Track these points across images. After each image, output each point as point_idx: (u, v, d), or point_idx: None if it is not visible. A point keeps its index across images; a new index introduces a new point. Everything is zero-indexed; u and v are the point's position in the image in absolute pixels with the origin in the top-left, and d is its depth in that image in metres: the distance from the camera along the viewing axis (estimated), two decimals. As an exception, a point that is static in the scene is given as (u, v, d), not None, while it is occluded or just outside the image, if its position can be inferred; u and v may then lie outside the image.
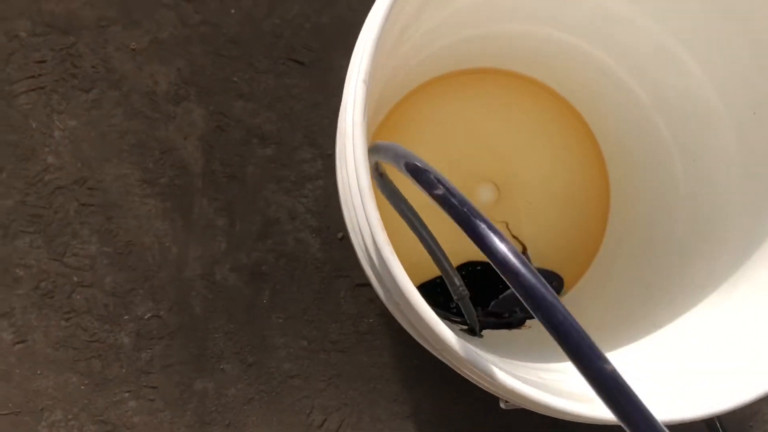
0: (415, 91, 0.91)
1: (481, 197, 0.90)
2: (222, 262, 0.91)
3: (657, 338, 0.67)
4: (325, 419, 0.91)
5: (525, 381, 0.48)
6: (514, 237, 0.89)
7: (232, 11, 0.93)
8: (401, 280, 0.46)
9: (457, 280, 0.64)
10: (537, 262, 0.89)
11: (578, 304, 0.86)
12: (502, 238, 0.38)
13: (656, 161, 0.81)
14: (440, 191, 0.41)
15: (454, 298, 0.66)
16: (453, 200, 0.40)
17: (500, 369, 0.47)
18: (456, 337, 0.46)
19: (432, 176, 0.42)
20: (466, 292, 0.66)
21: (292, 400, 0.90)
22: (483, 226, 0.38)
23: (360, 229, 0.50)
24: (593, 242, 0.91)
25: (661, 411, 0.49)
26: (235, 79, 0.93)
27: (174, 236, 0.91)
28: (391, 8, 0.48)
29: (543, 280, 0.36)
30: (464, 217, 0.39)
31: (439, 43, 0.80)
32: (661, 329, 0.67)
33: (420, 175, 0.43)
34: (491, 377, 0.46)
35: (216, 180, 0.92)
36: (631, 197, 0.87)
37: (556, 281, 0.90)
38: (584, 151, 0.92)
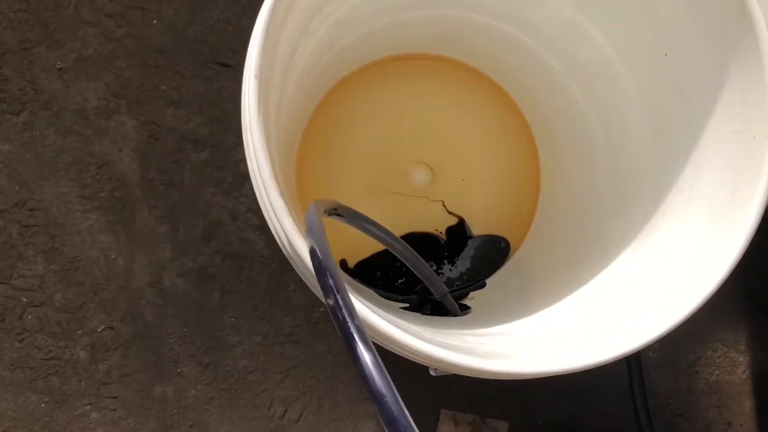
0: (345, 80, 0.93)
1: (415, 179, 0.92)
2: (169, 269, 0.93)
3: (583, 293, 0.70)
4: (286, 410, 0.93)
5: (441, 345, 0.51)
6: (450, 213, 0.91)
7: (155, 22, 0.95)
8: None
9: (436, 281, 0.72)
10: (480, 231, 0.91)
11: (524, 266, 0.89)
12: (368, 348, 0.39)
13: (576, 128, 0.84)
14: (331, 301, 0.41)
15: (437, 296, 0.74)
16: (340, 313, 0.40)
17: (412, 334, 0.49)
18: (371, 309, 0.49)
19: (329, 282, 0.42)
20: (446, 289, 0.74)
21: (251, 395, 0.93)
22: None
23: (271, 217, 0.52)
24: (529, 210, 0.94)
25: (586, 355, 0.51)
26: (164, 87, 0.94)
27: (119, 248, 0.92)
28: (274, 6, 0.50)
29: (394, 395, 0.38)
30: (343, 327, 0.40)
31: (356, 33, 0.82)
32: (585, 286, 0.70)
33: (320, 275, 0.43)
34: (399, 342, 0.48)
35: (155, 188, 0.93)
36: (558, 165, 0.90)
37: (503, 242, 0.92)
38: (512, 126, 0.94)
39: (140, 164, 0.93)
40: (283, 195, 0.50)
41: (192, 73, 0.95)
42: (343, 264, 0.88)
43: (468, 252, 0.91)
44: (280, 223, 0.49)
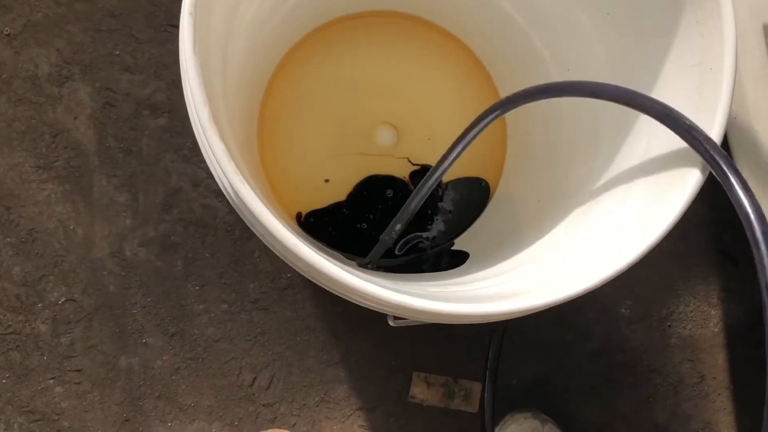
0: (305, 39, 0.91)
1: (380, 140, 0.91)
2: (130, 238, 0.90)
3: (550, 239, 0.69)
4: (255, 377, 0.91)
5: (397, 291, 0.49)
6: (415, 164, 0.90)
7: (106, -16, 0.92)
8: (257, 210, 0.47)
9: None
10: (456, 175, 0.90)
11: (487, 226, 0.88)
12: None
13: (538, 78, 0.83)
14: None
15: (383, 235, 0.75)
16: None
17: (365, 280, 0.48)
18: (320, 256, 0.47)
19: None
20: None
21: (219, 364, 0.91)
22: None
23: (213, 163, 0.50)
24: (497, 166, 0.92)
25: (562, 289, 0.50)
26: (118, 52, 0.92)
27: (77, 218, 0.90)
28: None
29: None
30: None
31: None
32: (551, 233, 0.69)
33: None
34: (354, 288, 0.47)
35: (112, 156, 0.91)
36: (522, 118, 0.89)
37: (484, 182, 0.91)
38: (476, 82, 0.93)
39: (96, 132, 0.91)
40: (224, 138, 0.48)
41: (147, 37, 0.92)
42: (298, 217, 0.86)
43: (447, 199, 0.89)
44: (221, 168, 0.47)
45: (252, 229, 0.54)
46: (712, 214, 1.01)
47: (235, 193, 0.47)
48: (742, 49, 0.78)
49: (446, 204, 0.90)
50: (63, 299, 0.89)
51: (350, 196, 0.88)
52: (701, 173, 0.53)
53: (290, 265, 0.54)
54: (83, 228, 0.90)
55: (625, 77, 0.66)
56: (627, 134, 0.65)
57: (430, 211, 0.89)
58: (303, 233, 0.84)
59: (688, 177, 0.53)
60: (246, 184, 0.47)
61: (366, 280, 0.48)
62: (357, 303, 0.52)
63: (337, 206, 0.86)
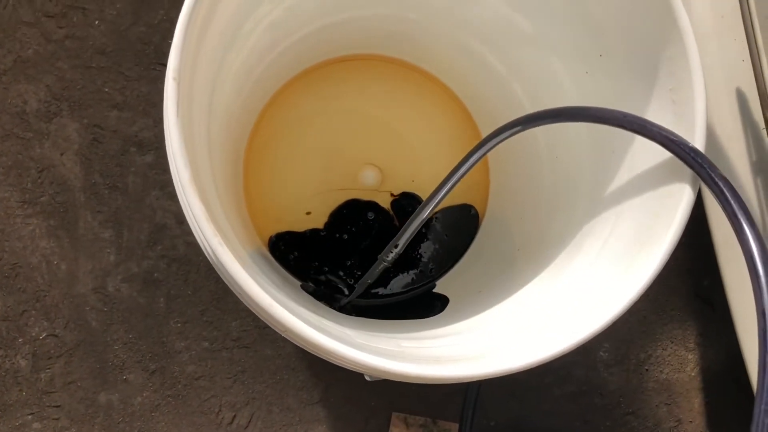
0: (292, 82, 0.92)
1: (365, 181, 0.92)
2: (113, 274, 0.91)
3: (524, 294, 0.70)
4: (235, 415, 0.92)
5: (372, 352, 0.50)
6: (395, 195, 0.90)
7: (97, 23, 0.93)
8: (233, 269, 0.47)
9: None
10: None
11: (467, 270, 0.89)
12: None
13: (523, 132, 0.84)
14: None
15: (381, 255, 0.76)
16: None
17: (340, 341, 0.48)
18: (293, 316, 0.48)
19: None
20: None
21: (199, 401, 0.91)
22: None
23: (192, 223, 0.51)
24: (481, 207, 0.94)
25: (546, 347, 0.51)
26: (107, 89, 0.93)
27: (61, 253, 0.90)
28: (193, 7, 0.49)
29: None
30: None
31: (297, 35, 0.81)
32: (527, 286, 0.70)
33: None
34: (330, 351, 0.47)
35: (98, 192, 0.91)
36: (505, 166, 0.90)
37: (474, 210, 0.92)
38: (460, 123, 0.94)
39: (83, 168, 0.92)
40: (204, 199, 0.49)
41: (136, 75, 0.93)
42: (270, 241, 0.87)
43: (435, 231, 0.90)
44: (200, 229, 0.48)
45: (229, 286, 0.55)
46: (690, 259, 1.02)
47: (213, 253, 0.48)
48: (716, 112, 0.81)
49: (434, 236, 0.90)
50: (44, 334, 0.89)
51: (331, 216, 0.88)
52: (680, 220, 0.54)
53: (267, 323, 0.54)
54: (67, 263, 0.90)
55: (600, 136, 0.68)
56: (605, 187, 0.66)
57: (418, 245, 0.90)
58: (272, 260, 0.84)
59: (673, 214, 0.54)
60: (224, 245, 0.48)
61: (341, 341, 0.49)
62: (336, 364, 0.53)
63: (313, 231, 0.87)
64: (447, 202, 0.90)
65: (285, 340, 0.93)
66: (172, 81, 0.48)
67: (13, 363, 0.89)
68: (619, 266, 0.59)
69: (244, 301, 0.54)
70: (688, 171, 0.54)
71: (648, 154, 0.60)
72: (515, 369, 0.50)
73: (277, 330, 0.54)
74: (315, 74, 0.92)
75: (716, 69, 0.81)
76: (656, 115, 0.60)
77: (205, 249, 0.52)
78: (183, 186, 0.47)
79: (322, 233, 0.87)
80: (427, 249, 0.90)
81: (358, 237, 0.88)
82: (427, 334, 0.67)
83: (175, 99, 0.48)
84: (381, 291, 0.87)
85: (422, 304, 0.84)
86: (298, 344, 0.53)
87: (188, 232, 0.92)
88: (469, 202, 0.92)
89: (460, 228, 0.92)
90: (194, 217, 0.48)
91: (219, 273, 0.54)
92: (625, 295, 0.53)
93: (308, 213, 0.89)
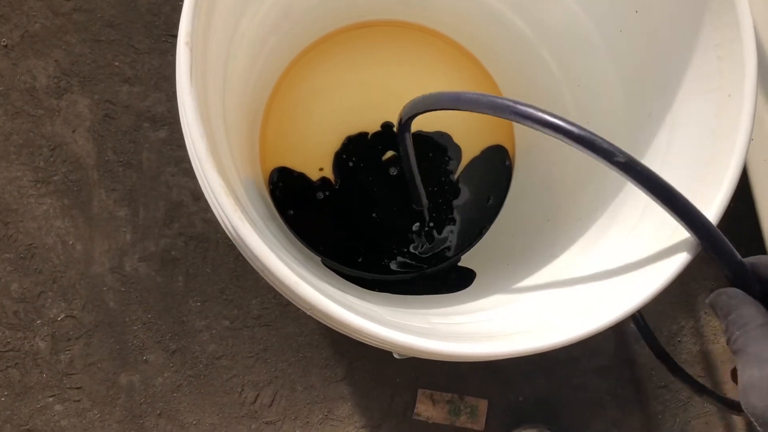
0: (308, 50, 0.89)
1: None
2: (130, 253, 0.89)
3: (557, 267, 0.67)
4: (258, 394, 0.90)
5: (398, 327, 0.48)
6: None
7: (104, -6, 0.90)
8: (255, 246, 0.45)
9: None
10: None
11: (494, 242, 0.86)
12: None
13: (548, 94, 0.80)
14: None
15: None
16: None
17: (369, 319, 0.46)
18: (320, 294, 0.45)
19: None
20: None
21: (221, 381, 0.89)
22: None
23: (210, 197, 0.48)
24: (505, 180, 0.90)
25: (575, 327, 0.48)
26: (117, 63, 0.90)
27: (76, 233, 0.88)
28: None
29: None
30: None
31: (309, 2, 0.77)
32: (558, 258, 0.67)
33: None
34: (359, 329, 0.45)
35: (112, 170, 0.89)
36: (530, 133, 0.86)
37: (507, 160, 0.89)
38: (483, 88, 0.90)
39: (96, 145, 0.89)
40: (221, 172, 0.46)
41: (146, 47, 0.90)
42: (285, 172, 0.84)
43: (461, 200, 0.87)
44: (219, 204, 0.45)
45: (250, 262, 0.52)
46: (730, 226, 0.98)
47: (234, 229, 0.46)
48: (763, 72, 0.76)
49: (461, 206, 0.87)
50: (62, 316, 0.88)
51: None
52: (728, 186, 0.50)
53: (291, 300, 0.52)
54: (82, 243, 0.88)
55: (636, 100, 0.64)
56: (641, 155, 0.62)
57: (443, 218, 0.87)
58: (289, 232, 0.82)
59: (705, 208, 0.51)
60: (245, 221, 0.45)
61: (370, 318, 0.46)
62: (364, 342, 0.50)
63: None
64: (472, 175, 0.87)
65: (307, 317, 0.91)
66: (184, 46, 0.45)
67: (32, 345, 0.87)
68: (658, 240, 0.55)
69: (265, 278, 0.51)
70: (736, 132, 0.51)
71: (689, 118, 0.57)
72: (549, 347, 0.47)
73: (302, 308, 0.52)
74: (332, 41, 0.89)
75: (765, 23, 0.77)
76: (697, 74, 0.56)
77: (225, 224, 0.49)
78: (200, 159, 0.44)
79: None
80: (449, 221, 0.87)
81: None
82: (456, 310, 0.64)
83: (188, 65, 0.45)
84: (402, 266, 0.85)
85: (449, 279, 0.82)
86: (324, 323, 0.51)
87: (205, 209, 0.90)
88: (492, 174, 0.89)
89: (485, 196, 0.88)
90: (212, 191, 0.45)
91: (239, 249, 0.51)
92: (662, 275, 0.50)
93: (321, 169, 0.85)
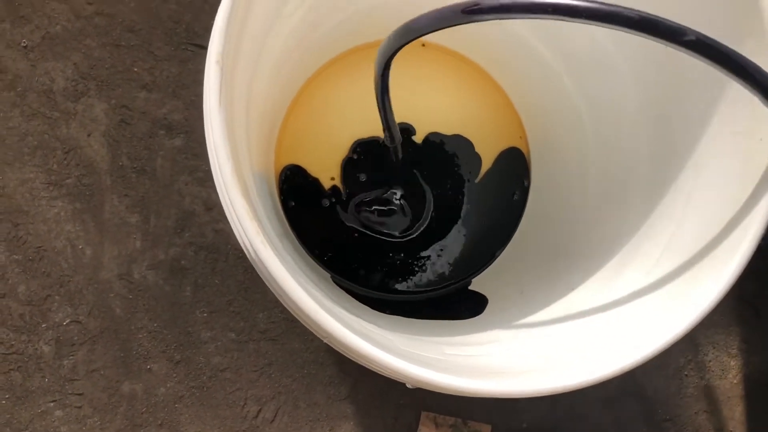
0: (328, 65, 0.88)
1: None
2: (139, 261, 0.88)
3: (568, 304, 0.66)
4: (260, 409, 0.89)
5: (413, 358, 0.47)
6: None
7: (127, -1, 0.90)
8: (277, 272, 0.44)
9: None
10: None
11: (507, 268, 0.85)
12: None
13: (569, 124, 0.80)
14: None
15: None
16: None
17: (385, 349, 0.45)
18: (338, 324, 0.45)
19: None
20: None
21: (224, 394, 0.89)
22: None
23: (233, 218, 0.48)
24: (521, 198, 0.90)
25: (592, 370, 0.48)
26: (136, 69, 0.89)
27: (86, 238, 0.88)
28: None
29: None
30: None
31: (338, 17, 0.77)
32: (575, 290, 0.66)
33: None
34: (375, 359, 0.44)
35: (125, 176, 0.88)
36: (549, 162, 0.86)
37: (516, 192, 0.89)
38: (503, 119, 0.90)
39: (110, 150, 0.89)
40: (245, 195, 0.45)
41: (166, 55, 0.90)
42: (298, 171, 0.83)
43: (470, 216, 0.86)
44: (241, 226, 0.45)
45: (266, 283, 0.52)
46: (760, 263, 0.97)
47: (255, 252, 0.45)
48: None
49: (471, 223, 0.86)
50: (68, 320, 0.87)
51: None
52: (754, 234, 0.50)
53: (305, 324, 0.51)
54: (92, 248, 0.88)
55: (661, 134, 0.64)
56: (660, 197, 0.62)
57: (451, 234, 0.86)
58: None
59: (729, 255, 0.50)
60: (267, 245, 0.44)
61: (385, 348, 0.46)
62: (374, 370, 0.50)
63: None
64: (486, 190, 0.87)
65: (313, 334, 0.90)
66: (215, 65, 0.45)
67: (36, 349, 0.86)
68: (678, 282, 0.55)
69: (282, 301, 0.51)
70: (765, 177, 0.50)
71: (716, 159, 0.56)
72: (563, 389, 0.46)
73: (317, 334, 0.51)
74: (353, 57, 0.88)
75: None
76: (728, 113, 0.55)
77: (245, 245, 0.49)
78: (225, 182, 0.44)
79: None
80: (460, 239, 0.86)
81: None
82: (469, 340, 0.63)
83: (218, 85, 0.44)
84: (411, 286, 0.84)
85: (461, 304, 0.81)
86: (338, 350, 0.50)
87: (217, 219, 0.89)
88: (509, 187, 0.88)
89: (499, 217, 0.88)
90: (236, 214, 0.45)
91: (256, 269, 0.50)
92: (682, 321, 0.50)
93: (332, 178, 0.85)
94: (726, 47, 0.41)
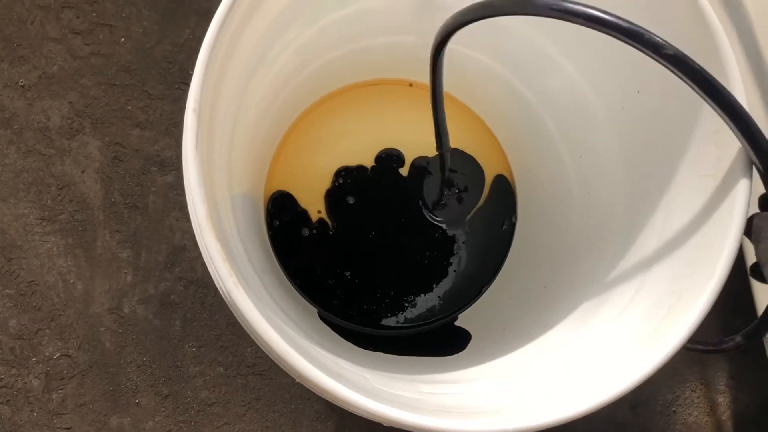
0: (315, 106, 0.90)
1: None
2: (130, 295, 0.89)
3: (557, 333, 0.67)
4: (247, 444, 0.89)
5: (385, 397, 0.48)
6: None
7: (123, 40, 0.92)
8: (248, 313, 0.45)
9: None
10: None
11: (491, 305, 0.86)
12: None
13: (551, 161, 0.81)
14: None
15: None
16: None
17: (357, 390, 0.46)
18: (308, 363, 0.46)
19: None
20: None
21: (212, 428, 0.89)
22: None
23: (207, 259, 0.49)
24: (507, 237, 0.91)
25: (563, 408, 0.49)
26: (130, 107, 0.92)
27: (78, 272, 0.89)
28: (218, 34, 0.48)
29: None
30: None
31: (324, 58, 0.79)
32: (553, 329, 0.67)
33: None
34: (346, 400, 0.45)
35: (117, 211, 0.90)
36: (533, 197, 0.87)
37: (506, 226, 0.90)
38: (489, 154, 0.92)
39: (103, 186, 0.90)
40: (219, 237, 0.47)
41: (160, 93, 0.92)
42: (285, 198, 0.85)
43: (461, 253, 0.87)
44: (215, 268, 0.46)
45: (243, 326, 0.53)
46: (723, 298, 0.98)
47: (228, 293, 0.46)
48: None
49: (461, 259, 0.87)
50: (58, 354, 0.88)
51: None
52: (719, 275, 0.51)
53: (280, 366, 0.52)
54: (83, 282, 0.89)
55: (635, 175, 0.65)
56: (634, 238, 0.63)
57: (441, 270, 0.87)
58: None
59: (697, 296, 0.51)
60: (239, 287, 0.46)
61: (357, 388, 0.46)
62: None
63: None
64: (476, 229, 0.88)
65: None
66: (192, 113, 0.46)
67: (26, 382, 0.87)
68: (650, 322, 0.55)
69: (256, 342, 0.52)
70: (730, 219, 0.51)
71: (685, 200, 0.57)
72: (531, 429, 0.47)
73: (292, 375, 0.52)
74: (340, 97, 0.91)
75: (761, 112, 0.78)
76: (695, 157, 0.57)
77: (219, 286, 0.50)
78: (200, 224, 0.45)
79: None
80: (450, 275, 0.87)
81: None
82: (447, 378, 0.64)
83: (194, 133, 0.46)
84: (399, 322, 0.85)
85: (444, 340, 0.82)
86: (314, 391, 0.51)
87: (206, 255, 0.90)
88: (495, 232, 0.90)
89: (489, 248, 0.89)
90: (210, 255, 0.46)
91: (230, 309, 0.52)
92: (645, 365, 0.50)
93: (318, 211, 0.86)
94: (698, 64, 0.43)
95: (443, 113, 0.69)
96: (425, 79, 0.90)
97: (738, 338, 0.54)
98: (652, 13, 0.54)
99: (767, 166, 0.47)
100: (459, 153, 0.90)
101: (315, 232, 0.84)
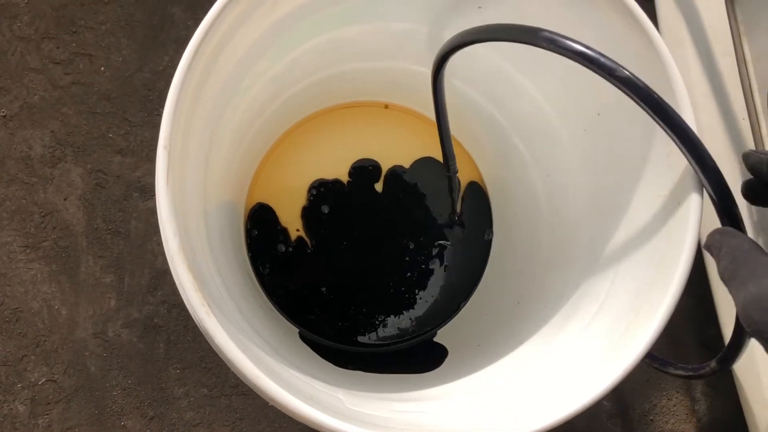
0: (291, 131, 0.92)
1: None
2: (114, 319, 0.91)
3: (522, 351, 0.69)
4: (232, 464, 0.91)
5: (358, 419, 0.50)
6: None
7: (102, 69, 0.94)
8: (220, 341, 0.47)
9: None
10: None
11: (468, 320, 0.88)
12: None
13: (522, 178, 0.84)
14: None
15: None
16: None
17: (321, 407, 0.48)
18: (278, 387, 0.47)
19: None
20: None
21: (197, 449, 0.91)
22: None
23: (181, 290, 0.51)
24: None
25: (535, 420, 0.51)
26: (111, 135, 0.93)
27: (62, 298, 0.90)
28: (187, 71, 0.50)
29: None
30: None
31: (297, 87, 0.81)
32: (524, 344, 0.69)
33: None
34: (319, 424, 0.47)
35: (100, 237, 0.92)
36: (507, 215, 0.90)
37: (486, 236, 0.92)
38: (467, 174, 0.94)
39: (86, 213, 0.92)
40: (191, 267, 0.49)
41: (140, 120, 0.94)
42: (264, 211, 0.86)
43: (442, 267, 0.89)
44: (188, 298, 0.48)
45: (215, 351, 0.55)
46: (693, 307, 1.01)
47: (200, 321, 0.48)
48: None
49: (441, 273, 0.90)
50: (43, 379, 0.89)
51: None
52: (673, 293, 0.53)
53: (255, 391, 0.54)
54: (67, 308, 0.90)
55: (598, 195, 0.68)
56: (597, 257, 0.65)
57: (421, 286, 0.89)
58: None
59: (655, 309, 0.53)
60: (211, 315, 0.48)
61: (329, 409, 0.48)
62: None
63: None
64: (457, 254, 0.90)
65: (284, 387, 0.92)
66: (162, 150, 0.48)
67: (12, 408, 0.88)
68: (611, 337, 0.58)
69: (228, 365, 0.54)
70: (683, 240, 0.53)
71: (644, 220, 0.60)
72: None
73: (267, 400, 0.54)
74: (316, 120, 0.93)
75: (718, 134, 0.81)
76: (652, 177, 0.59)
77: (192, 314, 0.52)
78: (172, 255, 0.47)
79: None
80: (431, 291, 0.89)
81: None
82: (421, 395, 0.66)
83: (165, 168, 0.48)
84: (377, 338, 0.87)
85: (422, 356, 0.84)
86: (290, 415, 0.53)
87: (189, 278, 0.92)
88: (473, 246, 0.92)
89: (466, 268, 0.91)
90: (182, 286, 0.48)
91: (207, 338, 0.53)
92: (607, 378, 0.52)
93: (297, 230, 0.88)
94: (646, 84, 0.46)
95: (449, 139, 0.73)
96: (401, 101, 0.94)
97: (713, 364, 0.56)
98: (614, 45, 0.57)
99: (714, 186, 0.49)
100: (430, 160, 0.92)
101: (292, 249, 0.86)
